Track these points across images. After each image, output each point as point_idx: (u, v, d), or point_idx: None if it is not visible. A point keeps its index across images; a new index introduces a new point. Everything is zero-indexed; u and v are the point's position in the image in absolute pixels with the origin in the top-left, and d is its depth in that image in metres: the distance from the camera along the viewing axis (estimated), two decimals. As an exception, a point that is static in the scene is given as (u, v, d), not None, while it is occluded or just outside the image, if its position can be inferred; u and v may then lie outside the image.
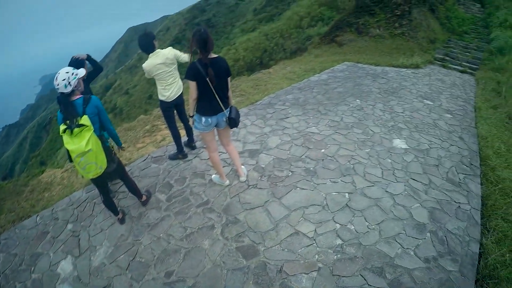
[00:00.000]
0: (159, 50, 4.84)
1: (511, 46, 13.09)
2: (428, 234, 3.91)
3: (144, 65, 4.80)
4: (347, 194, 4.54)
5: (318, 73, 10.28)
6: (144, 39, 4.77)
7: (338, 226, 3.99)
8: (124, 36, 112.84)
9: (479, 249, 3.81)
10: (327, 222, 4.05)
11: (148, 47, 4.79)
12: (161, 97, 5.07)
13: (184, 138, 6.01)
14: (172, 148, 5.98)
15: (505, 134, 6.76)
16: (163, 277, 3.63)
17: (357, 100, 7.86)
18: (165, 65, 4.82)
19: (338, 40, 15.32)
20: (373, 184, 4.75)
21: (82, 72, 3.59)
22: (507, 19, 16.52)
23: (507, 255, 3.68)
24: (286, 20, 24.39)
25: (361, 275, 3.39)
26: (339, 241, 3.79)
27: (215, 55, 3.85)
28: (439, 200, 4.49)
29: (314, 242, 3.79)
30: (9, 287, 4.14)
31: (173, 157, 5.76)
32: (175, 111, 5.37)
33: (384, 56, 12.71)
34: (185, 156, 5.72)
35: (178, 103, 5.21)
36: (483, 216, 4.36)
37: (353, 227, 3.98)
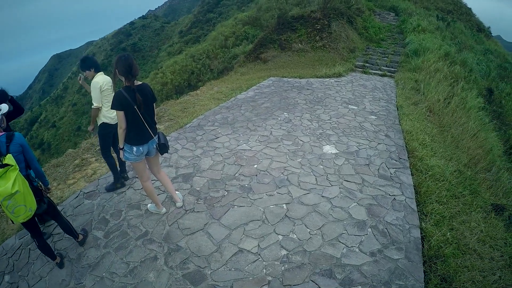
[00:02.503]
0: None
1: (425, 48, 14.51)
2: (369, 229, 4.09)
3: (97, 79, 4.69)
4: (284, 205, 4.62)
5: (245, 91, 10.50)
6: (87, 60, 4.80)
7: (280, 237, 4.03)
8: (48, 65, 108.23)
9: (421, 233, 4.07)
10: (269, 235, 4.07)
11: (98, 65, 4.81)
12: (105, 120, 4.90)
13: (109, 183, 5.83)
14: (104, 181, 5.74)
15: (428, 126, 7.34)
16: None
17: (285, 113, 8.12)
18: (111, 87, 4.81)
19: (262, 57, 15.86)
20: (308, 191, 4.88)
21: (5, 107, 3.43)
22: (419, 24, 18.49)
23: (448, 233, 4.00)
24: (211, 40, 25.01)
25: (312, 281, 3.44)
26: (284, 252, 3.82)
27: (139, 82, 3.82)
28: (374, 196, 4.73)
29: (259, 257, 3.79)
30: None
31: (110, 188, 5.51)
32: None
33: (307, 69, 13.35)
34: (123, 184, 5.53)
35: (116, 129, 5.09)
36: (418, 203, 4.67)
37: (295, 235, 4.04)
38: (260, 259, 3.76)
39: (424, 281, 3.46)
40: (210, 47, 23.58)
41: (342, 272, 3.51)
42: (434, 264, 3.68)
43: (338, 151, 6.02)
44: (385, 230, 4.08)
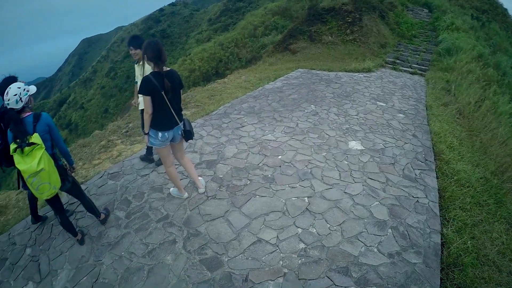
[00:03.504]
0: None
1: (458, 47, 14.00)
2: (390, 230, 4.02)
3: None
4: (306, 198, 4.59)
5: (273, 81, 10.43)
6: (136, 39, 4.93)
7: (300, 230, 4.01)
8: (78, 48, 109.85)
9: (441, 239, 3.97)
10: (289, 228, 4.06)
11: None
12: None
13: (142, 152, 6.04)
14: (129, 163, 5.85)
15: (456, 129, 7.14)
16: None
17: (312, 105, 8.03)
18: None
19: (291, 48, 15.69)
20: (331, 187, 4.83)
21: (33, 89, 3.50)
22: (453, 22, 17.76)
23: (469, 242, 3.87)
24: (240, 29, 24.87)
25: (327, 277, 3.41)
26: (302, 245, 3.80)
27: (168, 68, 3.82)
28: (397, 196, 4.64)
29: (277, 248, 3.79)
30: None
31: (144, 158, 5.81)
32: None
33: (337, 62, 13.15)
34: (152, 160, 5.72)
35: None
36: (441, 208, 4.55)
37: (315, 230, 4.01)
38: (277, 251, 3.75)
39: (440, 289, 3.38)
40: (239, 36, 23.50)
41: (358, 271, 3.47)
42: (451, 272, 3.59)
43: (363, 148, 5.93)
44: (406, 232, 4.00)
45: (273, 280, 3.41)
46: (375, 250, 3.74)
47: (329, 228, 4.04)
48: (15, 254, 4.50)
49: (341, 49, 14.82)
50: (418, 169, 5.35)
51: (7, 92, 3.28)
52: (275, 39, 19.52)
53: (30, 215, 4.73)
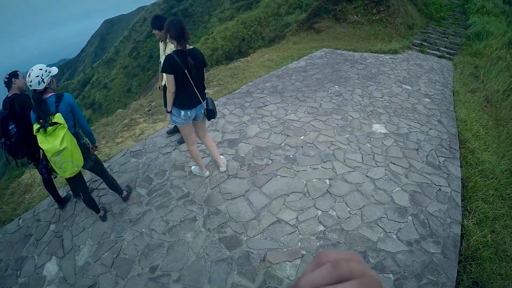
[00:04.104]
0: None
1: (488, 32, 13.38)
2: (410, 217, 3.95)
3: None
4: (327, 180, 4.53)
5: (297, 60, 10.22)
6: (161, 20, 4.85)
7: (319, 212, 3.98)
8: (100, 29, 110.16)
9: (461, 230, 3.87)
10: (309, 209, 4.04)
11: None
12: None
13: (164, 130, 6.10)
14: (151, 142, 5.89)
15: (483, 118, 6.90)
16: (148, 272, 3.58)
17: (336, 86, 7.86)
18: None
19: (316, 27, 15.28)
20: (353, 170, 4.75)
21: (55, 70, 3.52)
22: (484, 6, 16.92)
23: (489, 236, 3.76)
24: (264, 8, 24.25)
25: (345, 261, 3.40)
26: (321, 228, 3.78)
27: (191, 46, 3.76)
28: (419, 183, 4.53)
29: (296, 229, 3.78)
30: None
31: (171, 132, 5.92)
32: None
33: (362, 42, 12.77)
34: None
35: None
36: (463, 198, 4.43)
37: (334, 213, 3.98)
38: (296, 232, 3.74)
39: (456, 281, 3.31)
40: (262, 15, 22.89)
41: (376, 256, 3.44)
42: (469, 265, 3.50)
43: (387, 131, 5.80)
44: (426, 220, 3.92)
45: (291, 261, 3.41)
46: (394, 237, 3.68)
47: (349, 211, 4.00)
48: (39, 230, 4.63)
49: (367, 29, 14.33)
50: (442, 157, 5.21)
51: (29, 74, 3.32)
52: (299, 17, 18.97)
53: (56, 203, 4.83)
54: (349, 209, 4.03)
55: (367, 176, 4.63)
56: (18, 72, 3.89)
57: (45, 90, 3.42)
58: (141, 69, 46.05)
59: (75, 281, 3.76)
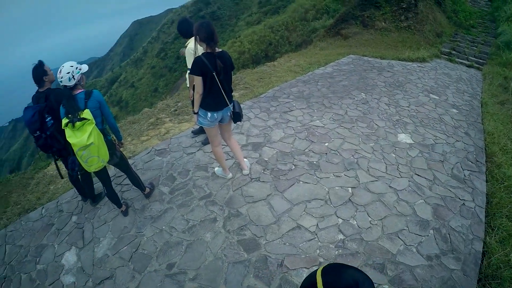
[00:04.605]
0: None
1: (518, 41, 12.86)
2: (431, 231, 3.85)
3: (191, 45, 4.74)
4: (350, 188, 4.47)
5: (323, 66, 10.11)
6: (185, 24, 4.90)
7: (340, 221, 3.93)
8: (129, 30, 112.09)
9: (483, 248, 3.74)
10: (330, 217, 3.99)
11: (190, 31, 4.77)
12: None
13: (189, 131, 6.14)
14: (176, 141, 5.94)
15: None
16: (165, 268, 3.61)
17: (362, 93, 7.73)
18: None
19: (343, 33, 15.08)
20: (376, 179, 4.67)
21: (85, 67, 3.60)
22: None
23: (511, 255, 3.60)
24: (291, 12, 24.10)
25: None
26: (341, 236, 3.73)
27: (220, 49, 3.77)
28: (443, 196, 4.41)
29: (315, 236, 3.74)
30: (15, 278, 4.15)
31: (197, 132, 5.95)
32: None
33: (389, 50, 12.51)
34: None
35: None
36: (487, 214, 4.28)
37: (355, 222, 3.91)
38: (315, 239, 3.70)
39: (474, 300, 3.20)
40: (289, 19, 22.69)
41: (394, 269, 3.36)
42: (488, 284, 3.37)
43: (413, 142, 5.66)
44: (448, 235, 3.80)
45: (308, 268, 3.37)
46: (414, 250, 3.59)
47: (370, 221, 3.92)
48: (61, 220, 4.74)
49: (395, 36, 14.03)
50: (468, 170, 5.05)
51: (60, 70, 3.40)
52: (326, 23, 18.71)
53: (80, 195, 4.94)
54: (370, 219, 3.96)
55: (390, 186, 4.53)
56: (45, 68, 3.95)
57: (75, 87, 3.50)
58: (168, 70, 46.59)
59: (93, 272, 3.83)
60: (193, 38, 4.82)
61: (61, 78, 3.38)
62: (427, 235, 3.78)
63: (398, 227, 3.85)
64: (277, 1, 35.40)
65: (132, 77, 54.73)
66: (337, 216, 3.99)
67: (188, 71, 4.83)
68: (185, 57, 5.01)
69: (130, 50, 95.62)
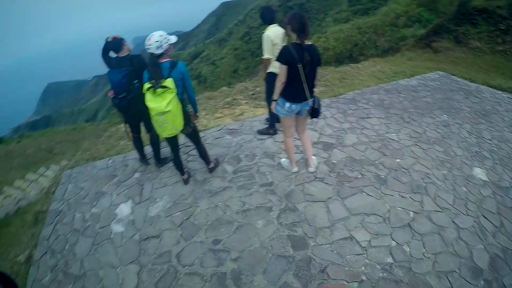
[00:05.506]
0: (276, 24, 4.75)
1: None
2: (482, 282, 3.34)
3: (268, 32, 4.61)
4: (412, 212, 4.05)
5: (408, 78, 9.30)
6: (266, 10, 4.76)
7: (393, 243, 3.60)
8: (217, 10, 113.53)
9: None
10: (384, 237, 3.67)
11: (270, 18, 4.73)
12: (273, 69, 4.82)
13: (266, 115, 5.92)
14: (249, 124, 5.85)
15: None
16: (211, 243, 3.61)
17: (445, 115, 6.95)
18: (282, 40, 4.67)
19: (434, 46, 13.79)
20: (441, 210, 4.16)
21: (174, 38, 3.60)
22: None
23: None
24: (381, 15, 22.41)
25: (400, 303, 3.00)
26: (390, 260, 3.42)
27: (309, 42, 3.55)
28: (505, 248, 3.79)
29: (365, 252, 3.47)
30: (69, 214, 4.40)
31: (263, 131, 5.64)
32: None
33: (481, 73, 11.19)
34: (275, 132, 5.56)
35: None
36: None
37: (408, 249, 3.55)
38: (364, 255, 3.44)
39: None
40: (379, 22, 21.01)
41: (431, 310, 2.98)
42: None
43: (488, 180, 4.94)
44: (497, 292, 3.29)
45: (348, 282, 3.15)
46: (460, 296, 3.15)
47: (423, 253, 3.53)
48: (125, 174, 4.90)
49: (488, 59, 12.52)
50: (541, 225, 4.35)
51: (150, 38, 3.40)
52: (416, 32, 17.18)
53: (154, 159, 5.04)
54: (424, 250, 3.56)
55: (453, 221, 4.01)
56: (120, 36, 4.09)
57: (161, 55, 3.49)
58: (251, 54, 46.15)
59: (142, 227, 3.94)
60: (272, 25, 4.66)
61: (149, 45, 3.39)
62: (477, 285, 3.30)
63: (450, 267, 3.42)
64: (368, 2, 33.19)
65: (214, 55, 55.13)
66: (391, 238, 3.66)
67: (263, 56, 4.73)
68: None
69: (216, 29, 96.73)
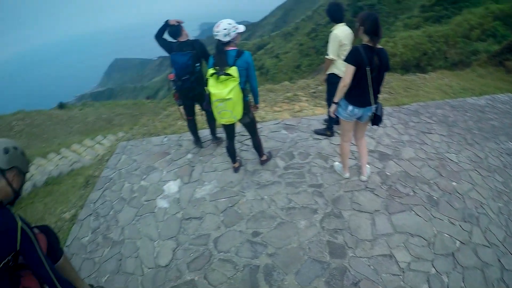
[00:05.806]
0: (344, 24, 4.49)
1: None
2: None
3: (337, 32, 4.40)
4: (458, 242, 3.75)
5: (476, 96, 8.57)
6: (336, 8, 4.49)
7: (433, 271, 3.37)
8: (286, 4, 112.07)
9: None
10: (425, 262, 3.45)
11: (340, 16, 4.48)
12: (336, 71, 4.64)
13: (325, 116, 5.73)
14: (307, 122, 5.74)
15: None
16: (250, 234, 3.62)
17: (510, 142, 6.29)
18: (350, 41, 4.45)
19: (507, 64, 12.55)
20: (489, 246, 3.79)
21: (242, 28, 3.57)
22: None
23: None
24: (454, 26, 20.56)
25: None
26: (425, 287, 3.21)
27: (380, 46, 3.36)
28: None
29: (402, 274, 3.29)
30: (119, 183, 4.58)
31: (319, 132, 5.50)
32: None
33: (558, 103, 10.12)
34: (332, 134, 5.42)
35: None
36: None
37: (447, 280, 3.29)
38: (401, 276, 3.26)
39: None
40: (451, 33, 19.23)
41: None
42: None
43: (546, 222, 4.47)
44: None
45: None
46: None
47: (461, 286, 3.27)
48: (178, 153, 5.01)
49: None
50: None
51: (218, 25, 3.40)
52: (490, 47, 15.64)
53: (211, 134, 5.14)
54: (462, 284, 3.28)
55: (499, 260, 3.63)
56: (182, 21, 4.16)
57: (228, 43, 3.48)
58: (316, 51, 44.89)
59: (186, 207, 4.03)
60: (340, 24, 4.41)
61: (217, 32, 3.39)
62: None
63: (482, 309, 3.16)
64: (441, 9, 30.61)
65: (278, 48, 54.53)
66: (432, 265, 3.43)
67: (326, 56, 4.52)
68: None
69: (283, 22, 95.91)
